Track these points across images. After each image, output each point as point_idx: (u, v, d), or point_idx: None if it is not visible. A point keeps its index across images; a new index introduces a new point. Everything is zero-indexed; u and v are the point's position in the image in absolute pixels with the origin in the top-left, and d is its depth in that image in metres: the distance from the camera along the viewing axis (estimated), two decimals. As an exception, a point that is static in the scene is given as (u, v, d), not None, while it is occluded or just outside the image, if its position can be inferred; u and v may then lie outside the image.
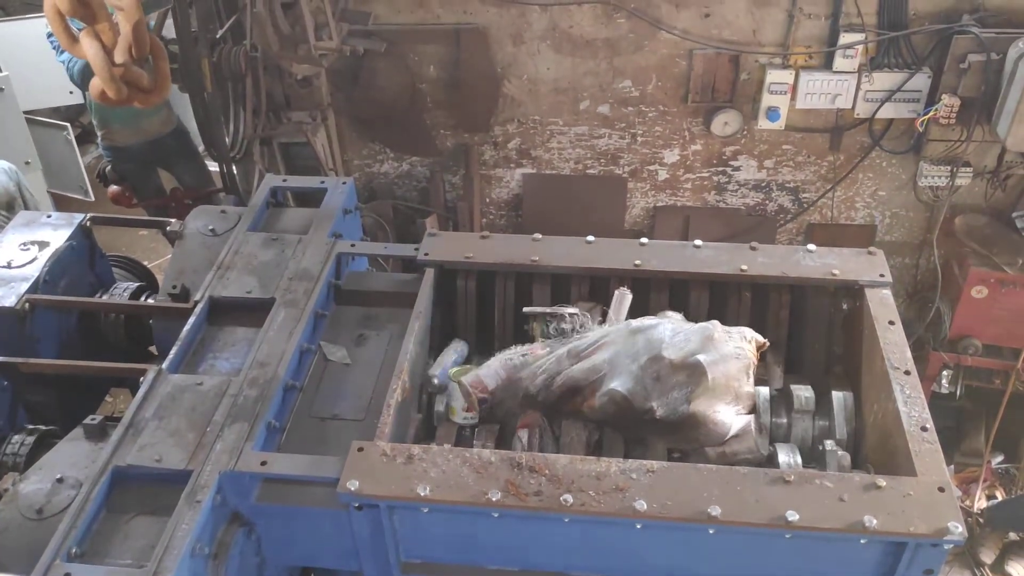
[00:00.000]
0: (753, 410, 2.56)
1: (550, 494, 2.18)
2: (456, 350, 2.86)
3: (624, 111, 5.89)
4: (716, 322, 2.60)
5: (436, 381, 2.75)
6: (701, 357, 2.45)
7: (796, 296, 2.89)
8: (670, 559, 2.31)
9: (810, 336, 2.91)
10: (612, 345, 2.59)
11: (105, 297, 3.27)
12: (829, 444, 2.56)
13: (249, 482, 2.34)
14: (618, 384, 2.49)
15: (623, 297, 2.84)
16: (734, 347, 2.51)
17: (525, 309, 2.88)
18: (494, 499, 2.17)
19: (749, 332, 2.60)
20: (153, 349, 3.24)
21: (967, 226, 5.82)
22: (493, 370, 2.66)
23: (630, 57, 5.65)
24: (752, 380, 2.53)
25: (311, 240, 3.07)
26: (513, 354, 2.69)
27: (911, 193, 5.98)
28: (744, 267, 2.84)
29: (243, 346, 2.78)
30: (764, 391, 2.72)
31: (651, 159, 6.08)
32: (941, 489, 2.15)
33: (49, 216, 3.37)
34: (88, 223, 3.32)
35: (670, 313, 2.71)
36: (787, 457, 2.50)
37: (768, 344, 2.65)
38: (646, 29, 5.52)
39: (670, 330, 2.55)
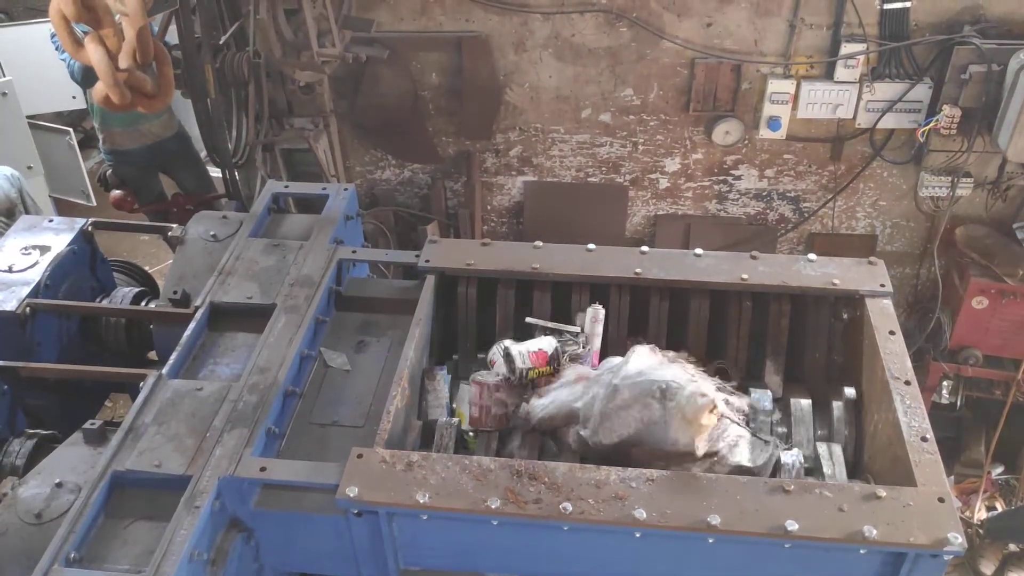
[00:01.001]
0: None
1: (549, 502, 2.18)
2: (444, 380, 2.84)
3: (625, 119, 5.89)
4: (672, 390, 2.37)
5: (443, 418, 2.72)
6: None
7: (797, 305, 2.90)
8: (669, 568, 2.30)
9: (810, 346, 2.91)
10: (593, 385, 2.55)
11: (106, 302, 3.28)
12: (822, 447, 2.56)
13: (248, 488, 2.34)
14: (585, 430, 2.46)
15: (596, 314, 2.83)
16: (678, 426, 2.34)
17: (528, 320, 2.88)
18: (493, 507, 2.17)
19: (689, 395, 2.34)
20: (153, 354, 3.25)
21: (968, 237, 5.82)
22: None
23: (632, 66, 5.66)
24: (707, 441, 2.36)
25: (312, 246, 3.07)
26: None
27: (912, 203, 5.98)
28: (745, 276, 2.84)
29: (243, 352, 2.78)
30: (766, 398, 2.73)
31: (652, 167, 6.08)
32: (941, 499, 2.15)
33: (51, 220, 3.38)
34: (90, 228, 3.33)
35: (638, 349, 2.54)
36: (790, 458, 2.49)
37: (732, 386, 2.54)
38: (648, 38, 5.53)
39: (602, 398, 2.43)
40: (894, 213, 6.08)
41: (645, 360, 2.50)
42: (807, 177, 6.01)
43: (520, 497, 2.18)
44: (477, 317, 3.01)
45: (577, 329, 2.83)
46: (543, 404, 2.57)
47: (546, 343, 2.72)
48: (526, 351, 2.69)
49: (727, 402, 2.47)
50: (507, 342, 2.79)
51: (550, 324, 2.84)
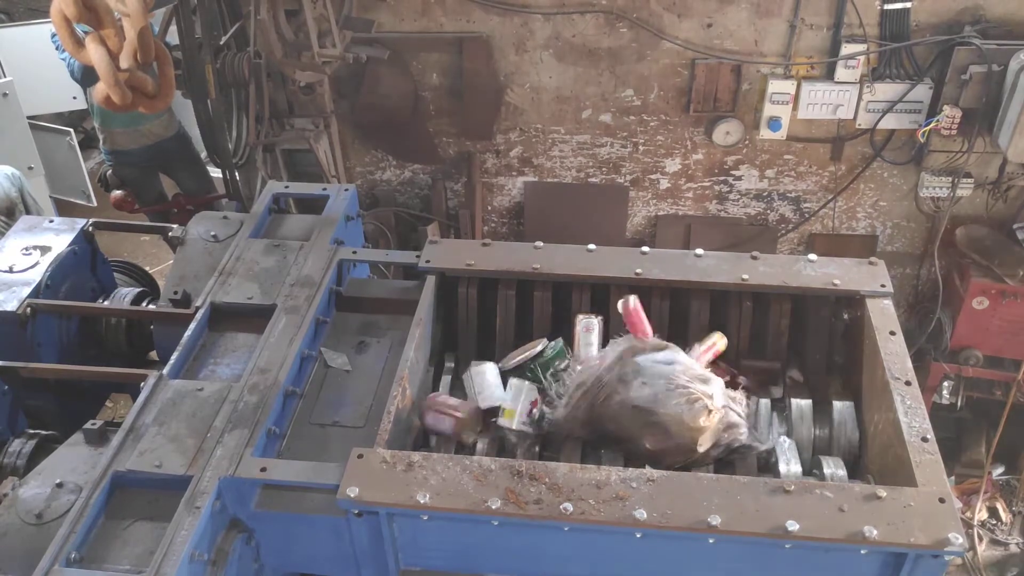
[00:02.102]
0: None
1: (550, 502, 2.17)
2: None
3: (626, 120, 5.90)
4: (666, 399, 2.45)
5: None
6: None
7: (797, 306, 2.90)
8: (670, 568, 2.30)
9: (811, 346, 2.91)
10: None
11: (106, 302, 3.28)
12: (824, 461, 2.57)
13: (248, 488, 2.34)
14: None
15: (589, 324, 2.81)
16: (678, 431, 2.42)
17: (503, 367, 2.83)
18: (494, 507, 2.17)
19: (686, 403, 2.43)
20: (154, 355, 3.25)
21: (968, 237, 5.82)
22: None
23: (632, 66, 5.66)
24: (710, 437, 2.46)
25: (313, 247, 3.07)
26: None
27: (912, 204, 5.98)
28: (745, 276, 2.84)
29: (244, 352, 2.78)
30: (765, 402, 2.73)
31: (653, 168, 6.09)
32: (942, 500, 2.15)
33: (51, 221, 3.37)
34: (90, 228, 3.33)
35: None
36: (786, 465, 2.50)
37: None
38: (648, 39, 5.53)
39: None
40: (895, 213, 6.08)
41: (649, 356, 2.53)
42: (807, 177, 6.02)
43: (520, 498, 2.18)
44: (478, 317, 3.01)
45: (542, 343, 2.81)
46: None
47: (527, 395, 2.67)
48: (524, 413, 2.65)
49: (731, 398, 2.53)
50: (495, 391, 2.71)
51: (523, 358, 2.80)
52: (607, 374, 2.54)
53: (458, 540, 2.33)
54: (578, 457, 2.54)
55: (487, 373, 2.74)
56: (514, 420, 2.61)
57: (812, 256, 2.90)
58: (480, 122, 5.96)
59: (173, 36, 4.69)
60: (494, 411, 2.66)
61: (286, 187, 3.49)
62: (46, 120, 6.77)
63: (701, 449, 2.44)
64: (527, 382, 2.69)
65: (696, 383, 2.46)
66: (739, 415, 2.53)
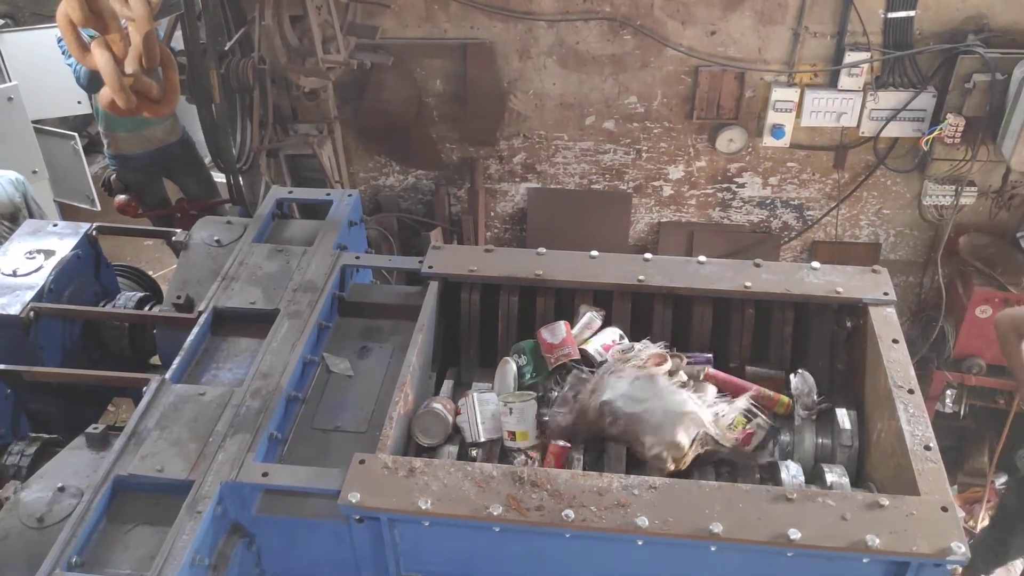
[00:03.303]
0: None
1: (551, 509, 2.17)
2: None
3: (629, 127, 5.90)
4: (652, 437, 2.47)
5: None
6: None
7: (800, 313, 2.89)
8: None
9: (813, 354, 2.90)
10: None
11: (110, 306, 3.28)
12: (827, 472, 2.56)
13: (250, 493, 2.34)
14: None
15: (591, 322, 2.82)
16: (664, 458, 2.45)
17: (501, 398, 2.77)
18: (495, 513, 2.16)
19: (670, 442, 2.44)
20: (156, 359, 3.25)
21: (971, 245, 5.81)
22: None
23: (636, 73, 5.67)
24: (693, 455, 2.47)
25: (316, 252, 3.08)
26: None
27: (915, 212, 5.97)
28: (748, 284, 2.84)
29: (246, 357, 2.79)
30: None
31: (656, 175, 6.09)
32: (944, 508, 2.14)
33: (55, 225, 3.38)
34: (94, 232, 3.33)
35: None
36: (788, 474, 2.49)
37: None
38: (652, 46, 5.54)
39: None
40: (898, 221, 6.08)
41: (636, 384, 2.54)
42: (811, 185, 6.02)
43: (522, 504, 2.18)
44: (480, 323, 3.01)
45: (512, 361, 2.80)
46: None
47: (531, 411, 2.65)
48: (534, 430, 2.64)
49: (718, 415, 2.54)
50: (496, 422, 2.66)
51: (511, 383, 2.80)
52: (597, 395, 2.55)
53: (459, 546, 2.33)
54: (580, 464, 2.54)
55: (489, 404, 2.66)
56: (528, 439, 2.61)
57: (815, 264, 2.90)
58: (483, 128, 5.97)
59: (178, 41, 4.70)
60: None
61: (289, 192, 3.50)
62: (51, 124, 6.78)
63: (688, 460, 2.45)
64: (527, 402, 2.65)
65: (687, 402, 2.48)
66: (716, 430, 2.52)
